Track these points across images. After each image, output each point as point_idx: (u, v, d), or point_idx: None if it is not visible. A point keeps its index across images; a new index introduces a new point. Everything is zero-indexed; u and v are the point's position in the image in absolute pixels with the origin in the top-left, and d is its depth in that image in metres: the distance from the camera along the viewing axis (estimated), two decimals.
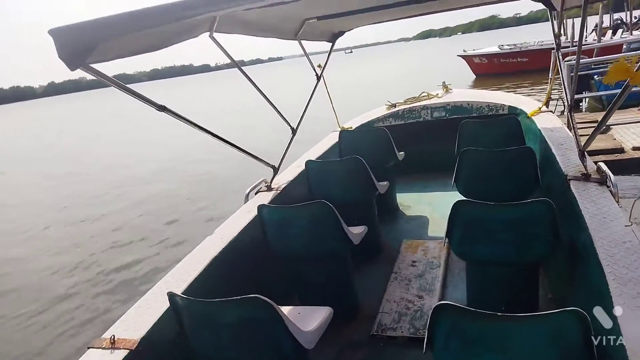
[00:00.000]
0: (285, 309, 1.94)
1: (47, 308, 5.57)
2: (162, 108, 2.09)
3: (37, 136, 28.14)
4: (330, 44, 4.13)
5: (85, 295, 5.79)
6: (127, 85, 2.00)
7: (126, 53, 1.81)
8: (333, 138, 4.45)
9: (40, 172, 15.17)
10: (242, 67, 3.01)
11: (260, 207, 2.55)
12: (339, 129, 4.69)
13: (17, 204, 11.14)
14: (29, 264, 7.11)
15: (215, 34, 2.47)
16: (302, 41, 3.54)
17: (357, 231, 2.66)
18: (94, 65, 1.69)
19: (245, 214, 2.80)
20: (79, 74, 1.71)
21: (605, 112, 2.07)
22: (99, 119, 28.54)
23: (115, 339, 1.69)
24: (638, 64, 1.32)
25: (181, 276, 2.14)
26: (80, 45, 1.55)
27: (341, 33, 4.10)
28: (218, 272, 2.28)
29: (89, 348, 1.69)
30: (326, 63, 3.99)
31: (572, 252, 2.11)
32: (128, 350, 1.64)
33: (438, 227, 3.76)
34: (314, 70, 3.86)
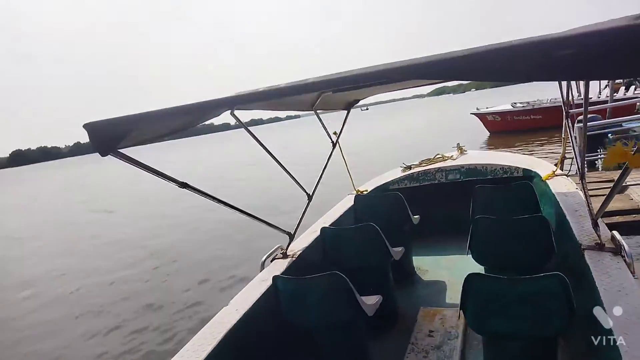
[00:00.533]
0: None
1: None
2: (183, 185, 2.24)
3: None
4: (346, 112, 4.31)
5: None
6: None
7: (154, 138, 1.99)
8: (349, 201, 4.52)
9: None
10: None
11: (275, 278, 2.59)
12: (355, 192, 4.78)
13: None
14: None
15: (235, 111, 2.65)
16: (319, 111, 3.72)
17: (371, 301, 2.65)
18: (124, 150, 1.86)
19: (260, 284, 2.84)
20: None
21: (610, 190, 2.11)
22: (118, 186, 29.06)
23: None
24: (635, 147, 1.39)
25: (196, 351, 2.15)
26: (111, 136, 1.76)
27: (356, 101, 4.27)
28: (234, 345, 2.29)
29: None
30: (341, 130, 4.13)
31: (590, 326, 2.08)
32: None
33: (455, 293, 3.71)
34: (330, 137, 4.01)
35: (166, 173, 2.24)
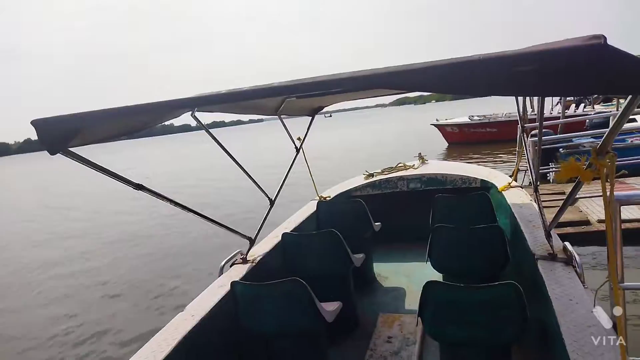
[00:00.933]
0: None
1: None
2: (139, 187, 2.17)
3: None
4: (310, 117, 4.30)
5: None
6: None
7: (108, 137, 1.92)
8: (311, 207, 4.51)
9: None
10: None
11: (233, 284, 2.53)
12: (317, 198, 4.78)
13: None
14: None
15: (196, 113, 2.60)
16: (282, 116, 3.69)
17: (331, 308, 2.65)
18: (75, 149, 1.80)
19: (218, 289, 2.77)
20: None
21: (563, 202, 2.19)
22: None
23: None
24: (587, 163, 1.45)
25: (148, 359, 2.07)
26: (62, 134, 1.68)
27: (320, 108, 4.28)
28: (189, 352, 2.22)
29: None
30: (305, 136, 4.13)
31: (542, 334, 2.15)
32: None
33: (414, 300, 3.74)
34: (294, 142, 3.99)
35: (120, 174, 2.16)
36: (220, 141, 3.03)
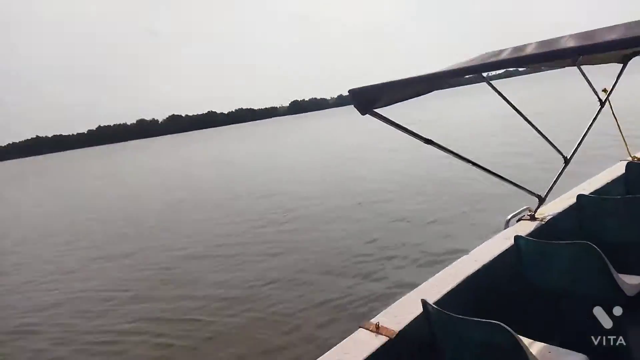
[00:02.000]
0: (534, 344, 1.99)
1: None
2: (428, 141, 2.47)
3: None
4: (621, 65, 3.65)
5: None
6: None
7: (402, 99, 2.35)
8: (619, 169, 3.96)
9: None
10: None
11: (518, 238, 2.58)
12: (628, 159, 4.12)
13: None
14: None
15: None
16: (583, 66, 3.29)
17: (633, 281, 2.39)
18: (378, 110, 2.25)
19: (503, 241, 2.85)
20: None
21: None
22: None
23: (380, 326, 2.06)
24: None
25: (435, 287, 2.39)
26: (369, 99, 2.18)
27: (635, 54, 3.56)
28: (468, 290, 2.44)
29: (359, 327, 2.11)
30: (613, 87, 3.53)
31: None
32: (388, 338, 1.99)
33: None
34: (597, 95, 3.50)
35: (413, 130, 2.48)
36: (507, 97, 3.01)
